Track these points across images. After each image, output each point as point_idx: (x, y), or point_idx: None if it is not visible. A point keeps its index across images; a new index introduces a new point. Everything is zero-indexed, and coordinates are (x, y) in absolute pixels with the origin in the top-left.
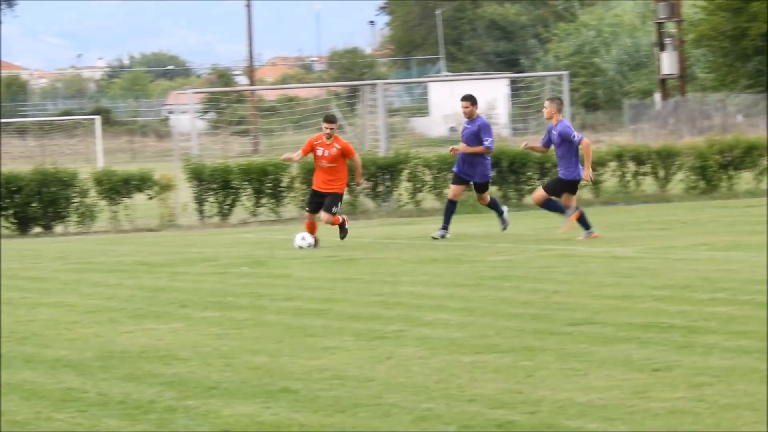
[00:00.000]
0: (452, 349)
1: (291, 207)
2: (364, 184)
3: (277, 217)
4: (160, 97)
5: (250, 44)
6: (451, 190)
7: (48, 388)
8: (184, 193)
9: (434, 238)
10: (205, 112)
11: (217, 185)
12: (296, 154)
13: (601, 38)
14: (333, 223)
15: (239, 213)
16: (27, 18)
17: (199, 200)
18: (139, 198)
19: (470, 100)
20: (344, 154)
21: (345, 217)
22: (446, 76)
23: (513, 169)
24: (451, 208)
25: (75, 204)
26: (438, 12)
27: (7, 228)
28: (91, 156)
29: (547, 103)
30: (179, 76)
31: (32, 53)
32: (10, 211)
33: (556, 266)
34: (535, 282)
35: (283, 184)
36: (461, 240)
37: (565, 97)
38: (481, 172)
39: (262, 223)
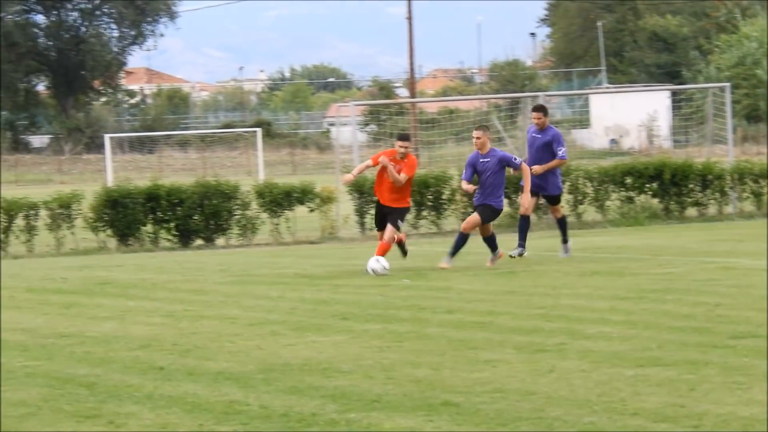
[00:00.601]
0: (614, 362)
1: (452, 219)
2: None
3: (437, 229)
4: (321, 110)
5: (411, 56)
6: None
7: (210, 401)
8: (346, 205)
9: (512, 257)
10: (366, 125)
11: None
12: (357, 170)
13: (764, 49)
14: (393, 241)
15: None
16: (189, 31)
17: (360, 212)
18: (301, 210)
19: (542, 111)
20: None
21: (404, 235)
22: (607, 88)
23: (675, 182)
24: (526, 224)
25: (236, 216)
26: (599, 24)
27: (169, 240)
28: (253, 168)
29: (479, 133)
30: (340, 89)
31: (194, 66)
32: (172, 224)
33: (718, 279)
34: (698, 295)
35: (444, 197)
36: (623, 252)
37: (727, 108)
38: (553, 184)
39: (422, 236)
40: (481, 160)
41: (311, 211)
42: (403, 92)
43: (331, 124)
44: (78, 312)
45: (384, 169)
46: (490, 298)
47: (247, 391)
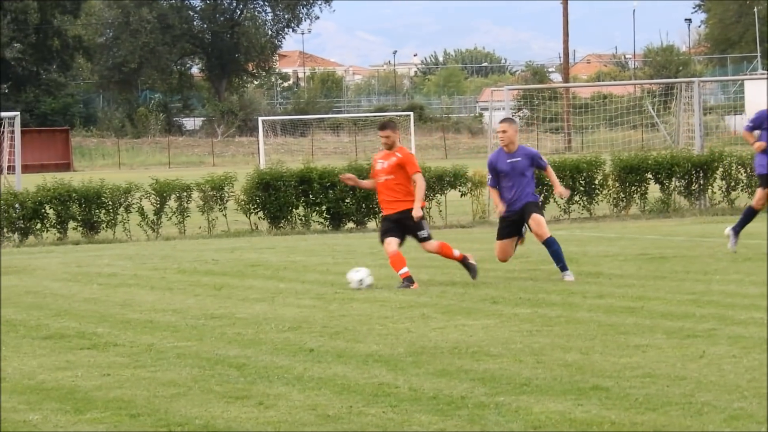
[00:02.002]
0: (765, 348)
1: (603, 204)
2: (418, 215)
3: (589, 214)
4: (473, 94)
5: (566, 41)
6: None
7: (360, 383)
8: None
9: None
10: (519, 109)
11: None
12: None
13: None
14: (443, 253)
15: (551, 210)
16: (343, 15)
17: None
18: (452, 194)
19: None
20: (402, 165)
21: (469, 255)
22: (763, 74)
23: None
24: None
25: None
26: (756, 9)
27: (320, 223)
28: None
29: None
30: (493, 73)
31: (348, 49)
32: (324, 207)
33: None
34: None
35: (596, 182)
36: None
37: None
38: None
39: (573, 221)
40: (508, 161)
41: (463, 195)
42: (557, 77)
43: (484, 109)
44: (229, 293)
45: (377, 172)
46: (641, 283)
47: (396, 374)
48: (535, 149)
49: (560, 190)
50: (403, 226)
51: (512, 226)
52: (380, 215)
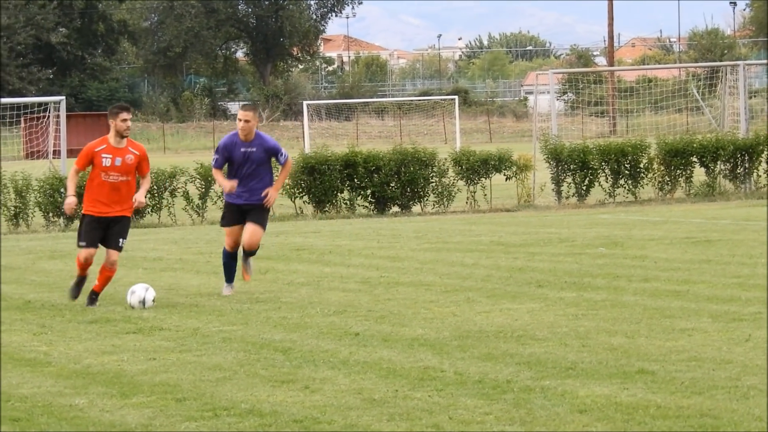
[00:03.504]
0: None
1: (648, 188)
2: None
3: (634, 198)
4: (518, 78)
5: (611, 24)
6: None
7: (405, 367)
8: (542, 173)
9: None
10: (564, 93)
11: (575, 166)
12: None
13: None
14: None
15: (596, 194)
16: None
17: (557, 181)
18: (497, 178)
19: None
20: (141, 164)
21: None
22: None
23: None
24: None
25: (433, 184)
26: None
27: (365, 207)
28: (449, 136)
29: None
30: (538, 57)
31: (392, 33)
32: (369, 191)
33: None
34: None
35: (641, 165)
36: None
37: None
38: None
39: (618, 204)
40: (242, 150)
41: (508, 179)
42: (601, 61)
43: (529, 92)
44: (274, 278)
45: (105, 169)
46: (686, 266)
47: (442, 358)
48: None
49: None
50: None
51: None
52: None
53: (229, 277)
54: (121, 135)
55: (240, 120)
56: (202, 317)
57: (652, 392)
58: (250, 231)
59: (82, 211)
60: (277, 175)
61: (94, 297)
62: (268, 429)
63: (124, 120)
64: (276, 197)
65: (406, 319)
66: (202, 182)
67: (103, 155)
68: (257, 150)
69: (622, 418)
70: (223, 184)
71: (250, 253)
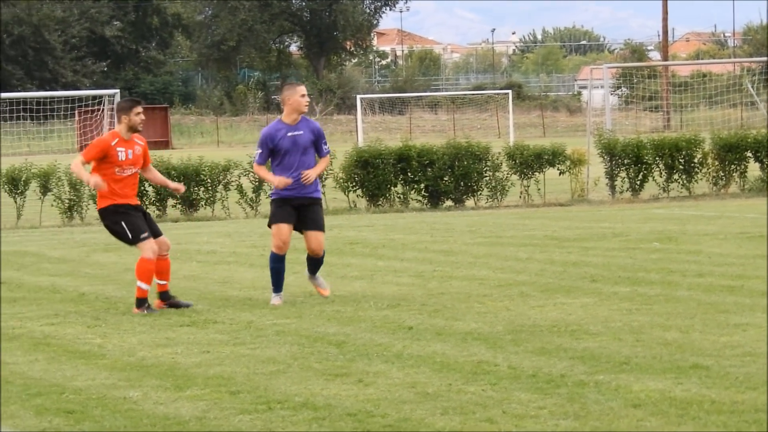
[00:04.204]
0: None
1: (703, 183)
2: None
3: (688, 193)
4: (572, 72)
5: (665, 19)
6: None
7: (459, 361)
8: (596, 168)
9: None
10: (618, 87)
11: (629, 160)
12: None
13: None
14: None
15: (650, 188)
16: None
17: (611, 175)
18: (551, 172)
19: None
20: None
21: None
22: None
23: None
24: None
25: (486, 178)
26: None
27: (419, 201)
28: (503, 130)
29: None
30: (592, 51)
31: (446, 27)
32: (422, 185)
33: None
34: None
35: (695, 160)
36: None
37: None
38: None
39: (673, 199)
40: (289, 135)
41: (561, 173)
42: (655, 55)
43: (583, 87)
44: (328, 271)
45: (120, 163)
46: (741, 261)
47: (495, 352)
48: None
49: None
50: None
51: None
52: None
53: (278, 285)
54: (135, 129)
55: (303, 96)
56: (256, 310)
57: (707, 387)
58: (312, 237)
59: (105, 205)
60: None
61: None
62: (322, 422)
63: (138, 113)
64: (314, 177)
65: (460, 312)
66: (256, 176)
67: (118, 149)
68: (305, 133)
69: (676, 413)
70: (273, 180)
71: (316, 261)
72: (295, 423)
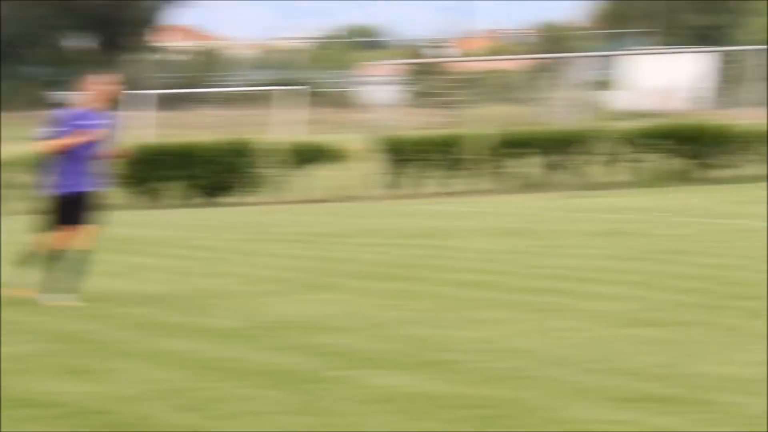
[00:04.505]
0: (609, 322)
1: (485, 180)
2: None
3: (469, 189)
4: (359, 69)
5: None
6: None
7: (201, 357)
8: (368, 165)
9: None
10: (403, 84)
11: (407, 156)
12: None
13: None
14: None
15: (430, 185)
16: None
17: (388, 172)
18: (323, 168)
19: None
20: None
21: None
22: (651, 49)
23: (710, 144)
24: None
25: (250, 175)
26: None
27: (198, 197)
28: (285, 126)
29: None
30: (379, 48)
31: (239, 23)
32: (202, 182)
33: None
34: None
35: (473, 156)
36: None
37: None
38: None
39: (451, 195)
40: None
41: (332, 170)
42: (446, 52)
43: (368, 84)
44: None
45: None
46: (492, 257)
47: (241, 348)
48: None
49: None
50: None
51: None
52: None
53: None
54: None
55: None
56: None
57: (451, 382)
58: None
59: None
60: None
61: None
62: (59, 421)
63: None
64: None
65: (212, 309)
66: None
67: None
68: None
69: (418, 408)
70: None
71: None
72: (35, 420)
